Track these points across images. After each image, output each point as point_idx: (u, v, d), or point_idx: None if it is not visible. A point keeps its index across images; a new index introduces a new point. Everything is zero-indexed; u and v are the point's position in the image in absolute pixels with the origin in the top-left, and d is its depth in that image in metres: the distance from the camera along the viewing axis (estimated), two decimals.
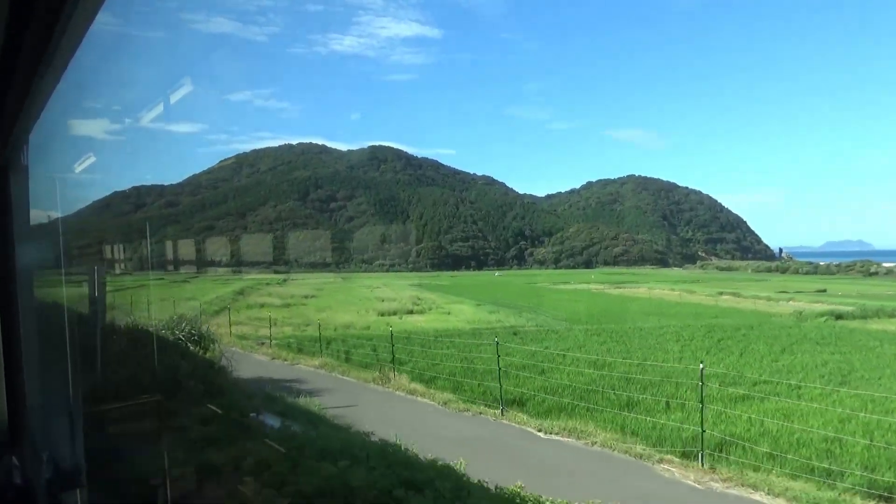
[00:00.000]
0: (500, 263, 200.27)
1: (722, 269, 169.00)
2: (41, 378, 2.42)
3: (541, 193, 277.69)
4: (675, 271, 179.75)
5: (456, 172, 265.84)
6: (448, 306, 41.61)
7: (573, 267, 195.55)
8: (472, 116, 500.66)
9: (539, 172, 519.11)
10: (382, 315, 36.72)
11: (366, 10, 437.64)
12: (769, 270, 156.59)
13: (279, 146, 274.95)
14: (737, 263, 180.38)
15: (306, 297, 52.07)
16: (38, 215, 2.77)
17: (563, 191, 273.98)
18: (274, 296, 53.97)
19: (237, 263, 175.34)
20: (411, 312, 37.91)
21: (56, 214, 3.30)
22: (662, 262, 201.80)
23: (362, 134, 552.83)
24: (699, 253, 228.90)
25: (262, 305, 43.83)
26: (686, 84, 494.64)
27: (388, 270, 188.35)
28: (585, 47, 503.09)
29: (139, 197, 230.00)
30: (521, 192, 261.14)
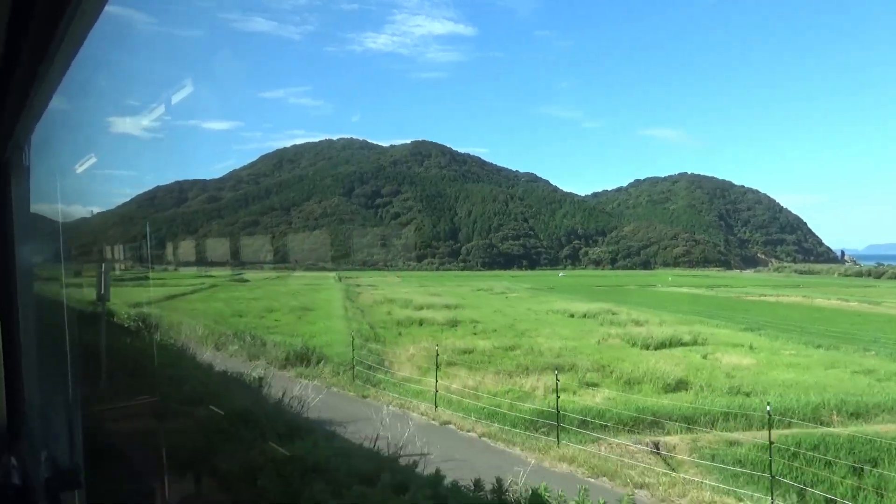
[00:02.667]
0: (553, 263, 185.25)
1: (802, 272, 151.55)
2: (40, 378, 2.37)
3: (580, 191, 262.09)
4: (747, 274, 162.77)
5: (499, 169, 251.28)
6: (712, 332, 27.12)
7: (630, 267, 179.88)
8: (505, 115, 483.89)
9: (575, 171, 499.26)
10: (648, 348, 22.52)
11: (400, 9, 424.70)
12: (859, 275, 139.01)
13: (319, 141, 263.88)
14: (817, 267, 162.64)
15: (448, 306, 38.03)
16: (39, 215, 2.70)
17: (608, 189, 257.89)
18: (399, 304, 40.13)
19: (283, 260, 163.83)
20: (683, 343, 23.56)
21: (58, 214, 3.19)
22: (725, 264, 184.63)
23: (395, 132, 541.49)
24: (758, 255, 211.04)
25: (420, 322, 29.92)
26: (720, 82, 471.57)
27: (437, 269, 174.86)
28: (618, 45, 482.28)
29: (180, 192, 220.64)
30: (563, 190, 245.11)
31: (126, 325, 19.52)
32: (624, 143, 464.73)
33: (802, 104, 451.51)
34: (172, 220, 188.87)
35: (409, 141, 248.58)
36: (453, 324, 29.66)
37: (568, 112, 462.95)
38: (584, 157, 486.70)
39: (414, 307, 37.83)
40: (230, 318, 31.32)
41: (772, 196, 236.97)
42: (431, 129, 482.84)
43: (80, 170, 3.66)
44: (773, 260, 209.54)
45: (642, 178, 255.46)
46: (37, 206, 2.47)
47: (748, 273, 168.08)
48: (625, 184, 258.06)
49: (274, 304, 38.66)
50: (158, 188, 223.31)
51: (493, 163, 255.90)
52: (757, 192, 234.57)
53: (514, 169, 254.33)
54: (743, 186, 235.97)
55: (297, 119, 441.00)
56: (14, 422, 2.13)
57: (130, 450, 4.41)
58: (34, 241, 2.54)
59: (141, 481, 4.06)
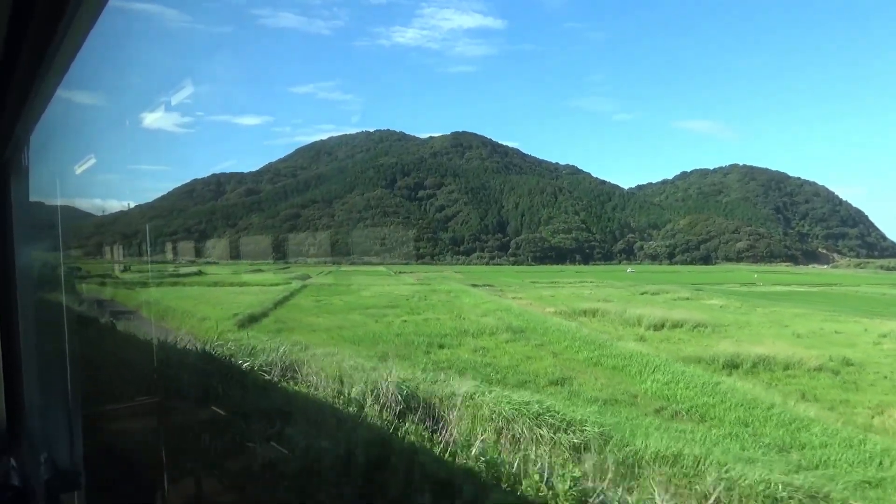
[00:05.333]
0: (607, 257, 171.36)
1: (889, 268, 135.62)
2: (40, 379, 2.32)
3: (621, 183, 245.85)
4: (825, 269, 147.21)
5: (540, 161, 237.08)
6: None
7: (690, 262, 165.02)
8: (537, 108, 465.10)
9: (608, 163, 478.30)
10: None
11: (429, 2, 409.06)
12: None
13: (356, 133, 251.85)
14: None
15: (703, 326, 25.09)
16: (39, 215, 2.67)
17: (653, 181, 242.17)
18: (612, 319, 27.39)
19: (327, 254, 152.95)
20: None
21: (57, 214, 3.17)
22: (792, 259, 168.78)
23: (424, 127, 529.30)
24: (819, 250, 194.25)
25: (784, 365, 17.01)
26: (754, 71, 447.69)
27: (487, 263, 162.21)
28: (651, 36, 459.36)
29: (217, 185, 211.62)
30: (610, 182, 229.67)
31: None
32: (659, 135, 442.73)
33: (835, 91, 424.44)
34: (212, 212, 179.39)
35: (448, 132, 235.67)
36: (833, 371, 16.66)
37: (599, 105, 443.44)
38: (617, 149, 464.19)
39: (651, 326, 25.05)
40: (428, 349, 18.87)
41: (830, 188, 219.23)
42: (461, 123, 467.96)
43: (80, 170, 3.39)
44: (835, 255, 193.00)
45: (689, 169, 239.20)
46: (37, 207, 2.39)
47: (825, 269, 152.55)
48: (670, 176, 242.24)
49: (445, 320, 26.16)
50: (196, 181, 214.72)
51: (534, 155, 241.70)
52: (814, 183, 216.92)
53: (555, 162, 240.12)
54: (799, 178, 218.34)
55: (327, 114, 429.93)
56: (14, 423, 2.05)
57: (130, 451, 4.23)
58: (34, 241, 2.45)
59: (140, 483, 3.90)
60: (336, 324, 25.02)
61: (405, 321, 25.75)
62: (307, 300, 36.26)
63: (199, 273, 76.80)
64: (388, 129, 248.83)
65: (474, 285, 49.40)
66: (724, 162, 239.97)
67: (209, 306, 31.48)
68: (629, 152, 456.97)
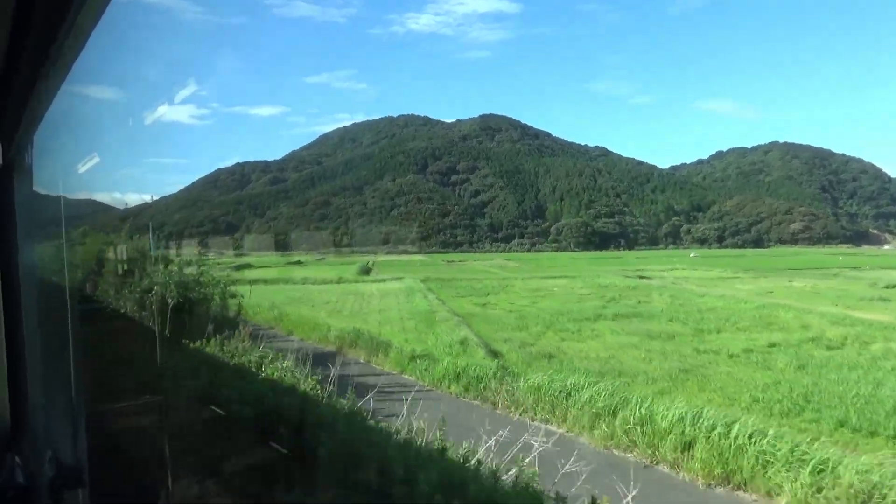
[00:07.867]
0: (653, 242, 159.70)
1: None
2: (44, 377, 2.31)
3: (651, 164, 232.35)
4: (892, 250, 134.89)
5: (570, 143, 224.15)
6: None
7: (741, 246, 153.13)
8: (553, 92, 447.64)
9: (635, 145, 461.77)
10: None
11: None
12: None
13: (380, 119, 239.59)
14: None
15: None
16: (44, 215, 2.68)
17: (686, 161, 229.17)
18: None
19: (360, 243, 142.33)
20: None
21: (61, 213, 3.13)
22: (850, 240, 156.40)
23: (442, 113, 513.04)
24: (870, 230, 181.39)
25: None
26: (769, 47, 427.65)
27: (528, 250, 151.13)
28: (670, 15, 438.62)
29: (241, 175, 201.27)
30: (647, 163, 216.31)
31: None
32: (681, 116, 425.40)
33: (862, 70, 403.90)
34: (239, 202, 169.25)
35: (468, 117, 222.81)
36: None
37: (618, 88, 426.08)
38: (640, 130, 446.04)
39: None
40: None
41: (877, 164, 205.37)
42: (480, 107, 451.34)
43: (89, 167, 3.35)
44: (886, 235, 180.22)
45: (724, 149, 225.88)
46: (41, 205, 2.41)
47: (887, 249, 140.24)
48: (704, 156, 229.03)
49: (851, 354, 15.21)
50: (220, 170, 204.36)
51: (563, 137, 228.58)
52: (861, 160, 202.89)
53: (584, 143, 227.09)
54: (844, 155, 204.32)
55: (342, 103, 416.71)
56: (18, 420, 2.08)
57: (134, 449, 4.16)
58: (39, 241, 2.43)
59: (145, 481, 3.86)
60: (649, 363, 14.06)
61: (766, 357, 14.69)
62: (469, 304, 25.41)
63: (249, 266, 66.42)
64: (412, 114, 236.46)
65: (626, 276, 38.38)
66: (752, 141, 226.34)
67: (354, 319, 20.79)
68: (653, 134, 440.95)
